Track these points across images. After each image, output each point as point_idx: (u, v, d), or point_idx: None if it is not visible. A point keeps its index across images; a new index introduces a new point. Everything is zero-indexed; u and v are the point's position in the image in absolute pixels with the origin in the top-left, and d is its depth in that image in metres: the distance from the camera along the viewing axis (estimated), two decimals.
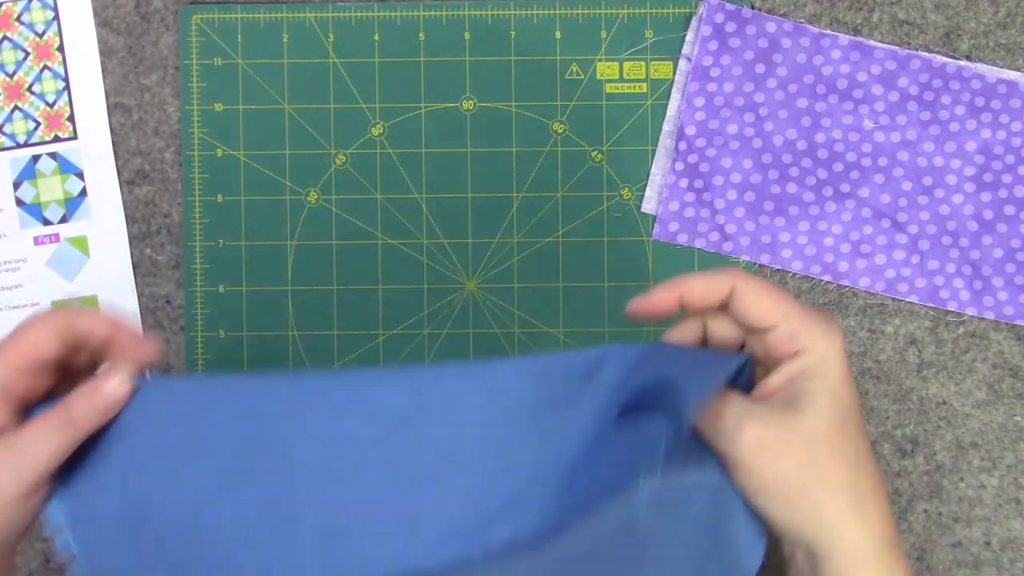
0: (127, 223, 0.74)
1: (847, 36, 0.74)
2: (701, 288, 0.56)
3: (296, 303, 0.75)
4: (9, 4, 0.73)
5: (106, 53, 0.74)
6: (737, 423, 0.53)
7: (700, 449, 0.54)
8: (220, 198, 0.75)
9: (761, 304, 0.54)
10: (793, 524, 0.53)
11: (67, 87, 0.74)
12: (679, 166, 0.75)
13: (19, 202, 0.74)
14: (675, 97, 0.75)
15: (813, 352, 0.54)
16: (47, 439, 0.53)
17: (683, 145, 0.75)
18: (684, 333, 0.58)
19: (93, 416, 0.54)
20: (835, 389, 0.53)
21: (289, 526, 0.55)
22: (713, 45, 0.73)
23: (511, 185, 0.76)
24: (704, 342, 0.58)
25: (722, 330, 0.57)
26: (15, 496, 0.53)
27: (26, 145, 0.74)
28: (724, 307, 0.56)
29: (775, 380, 0.54)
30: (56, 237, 0.74)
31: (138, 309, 0.74)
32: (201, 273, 0.74)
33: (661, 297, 0.56)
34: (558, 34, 0.74)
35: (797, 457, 0.52)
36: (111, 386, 0.54)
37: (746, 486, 0.53)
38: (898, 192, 0.74)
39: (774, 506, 0.53)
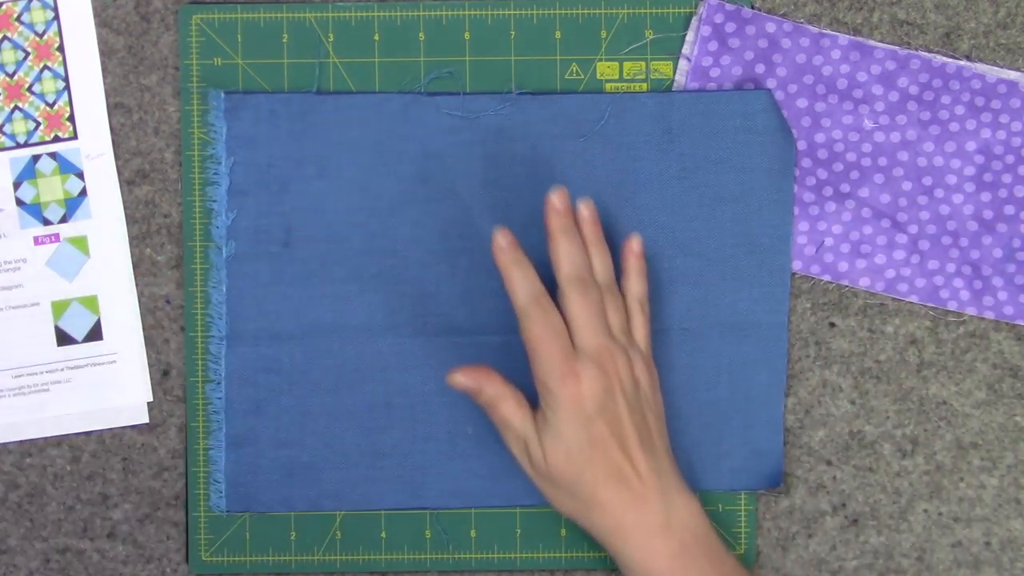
0: (127, 223, 0.74)
1: (847, 36, 0.74)
2: None
3: None
4: (9, 4, 0.73)
5: (106, 53, 0.74)
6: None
7: None
8: None
9: None
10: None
11: (67, 87, 0.74)
12: None
13: (19, 202, 0.74)
14: None
15: (553, 400, 0.67)
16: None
17: None
18: None
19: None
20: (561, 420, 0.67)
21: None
22: (713, 45, 0.73)
23: None
24: None
25: None
26: None
27: (26, 145, 0.74)
28: None
29: None
30: (56, 237, 0.74)
31: (138, 309, 0.74)
32: (201, 273, 0.74)
33: None
34: (558, 34, 0.74)
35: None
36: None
37: None
38: (898, 192, 0.74)
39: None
